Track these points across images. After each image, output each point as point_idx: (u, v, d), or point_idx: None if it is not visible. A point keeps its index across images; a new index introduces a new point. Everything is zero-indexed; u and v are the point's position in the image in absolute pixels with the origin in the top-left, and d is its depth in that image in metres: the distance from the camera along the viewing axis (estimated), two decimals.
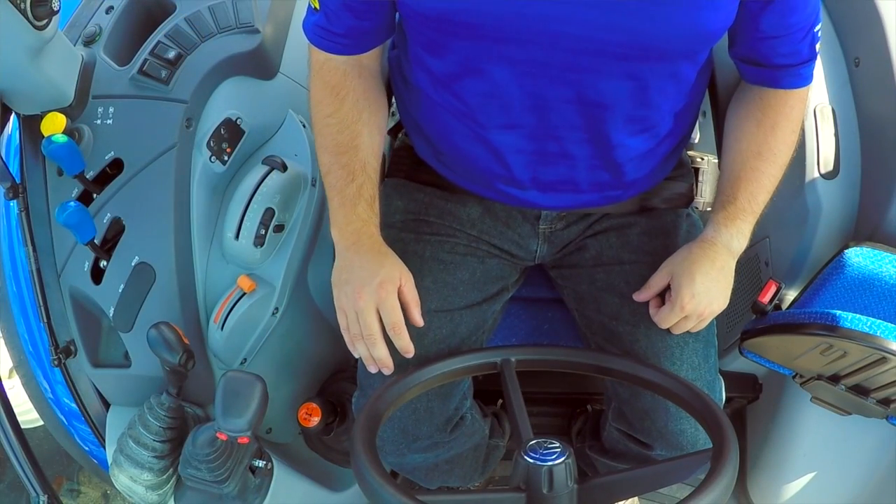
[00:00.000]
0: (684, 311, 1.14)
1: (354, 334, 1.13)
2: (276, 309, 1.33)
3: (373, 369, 1.15)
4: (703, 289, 1.13)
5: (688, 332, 1.19)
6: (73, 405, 1.30)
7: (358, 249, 1.14)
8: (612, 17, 0.98)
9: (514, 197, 1.23)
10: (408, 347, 1.13)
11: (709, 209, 1.66)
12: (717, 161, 1.59)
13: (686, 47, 1.06)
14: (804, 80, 1.15)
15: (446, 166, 1.27)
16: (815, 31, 1.10)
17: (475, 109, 1.12)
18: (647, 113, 1.13)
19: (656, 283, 1.19)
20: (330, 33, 1.11)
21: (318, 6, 1.10)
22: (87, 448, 1.36)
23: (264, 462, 1.27)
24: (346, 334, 1.15)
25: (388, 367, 1.13)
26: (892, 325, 1.15)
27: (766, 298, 1.29)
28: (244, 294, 1.27)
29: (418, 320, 1.15)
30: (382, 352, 1.12)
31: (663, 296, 1.19)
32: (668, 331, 1.19)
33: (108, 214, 1.22)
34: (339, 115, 1.15)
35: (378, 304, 1.11)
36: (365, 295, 1.11)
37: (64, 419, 1.34)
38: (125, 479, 1.18)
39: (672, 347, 1.20)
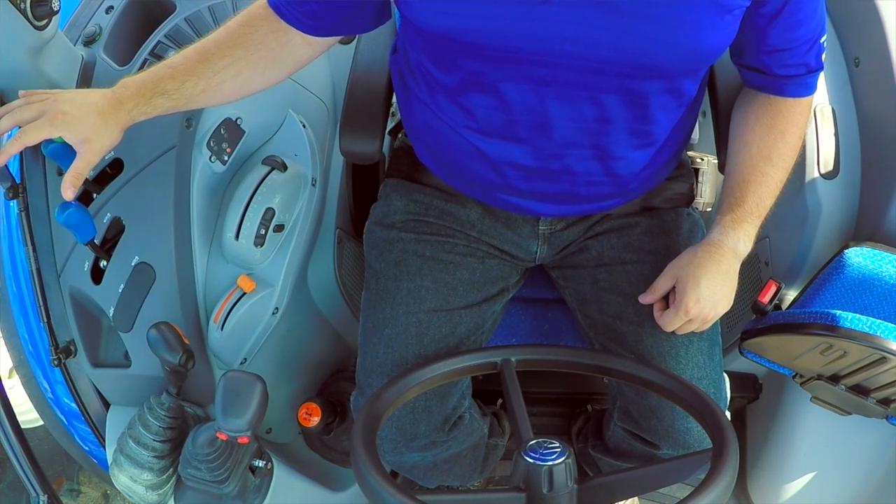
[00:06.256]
0: (689, 315, 1.14)
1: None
2: (276, 309, 1.33)
3: None
4: (708, 293, 1.13)
5: (692, 331, 1.19)
6: (73, 405, 1.30)
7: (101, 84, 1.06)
8: (617, 38, 0.99)
9: (513, 204, 1.23)
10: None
11: (708, 209, 1.66)
12: (716, 161, 1.60)
13: (687, 66, 1.07)
14: (810, 89, 1.16)
15: (445, 172, 1.27)
16: (822, 41, 1.11)
17: (479, 123, 1.12)
18: (648, 127, 1.13)
19: (661, 286, 1.18)
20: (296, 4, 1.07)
21: None
22: (87, 448, 1.36)
23: (264, 462, 1.27)
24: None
25: None
26: (892, 325, 1.15)
27: (766, 298, 1.29)
28: (244, 294, 1.28)
29: (66, 191, 1.04)
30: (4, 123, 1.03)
31: (667, 298, 1.19)
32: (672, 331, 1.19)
33: (108, 214, 1.22)
34: (239, 50, 1.09)
35: (38, 112, 1.02)
36: (46, 102, 1.03)
37: (64, 419, 1.34)
38: (125, 478, 1.18)
39: (677, 347, 1.20)
